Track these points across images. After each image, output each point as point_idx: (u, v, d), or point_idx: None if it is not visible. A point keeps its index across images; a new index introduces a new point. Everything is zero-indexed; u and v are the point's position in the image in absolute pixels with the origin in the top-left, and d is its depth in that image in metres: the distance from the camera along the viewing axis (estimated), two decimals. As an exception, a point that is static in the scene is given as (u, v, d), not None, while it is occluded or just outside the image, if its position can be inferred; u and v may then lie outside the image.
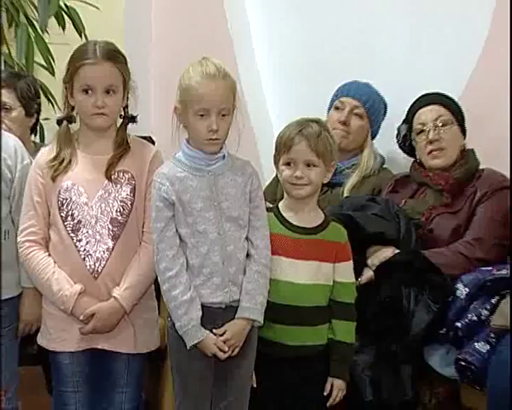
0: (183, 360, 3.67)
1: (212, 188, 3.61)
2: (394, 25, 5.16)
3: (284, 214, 3.83)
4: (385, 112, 5.14)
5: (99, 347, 3.78)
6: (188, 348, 3.58)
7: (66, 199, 3.75)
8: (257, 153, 4.56)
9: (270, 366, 3.79)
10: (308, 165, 3.76)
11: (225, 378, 3.67)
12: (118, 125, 3.84)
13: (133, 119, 3.91)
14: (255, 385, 3.79)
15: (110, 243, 3.77)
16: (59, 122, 3.88)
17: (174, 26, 5.45)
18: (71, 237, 3.76)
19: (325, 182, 3.95)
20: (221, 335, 3.57)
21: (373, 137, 5.10)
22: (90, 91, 3.71)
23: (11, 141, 4.03)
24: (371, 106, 5.04)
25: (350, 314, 3.87)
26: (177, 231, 3.60)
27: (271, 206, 3.97)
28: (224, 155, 3.66)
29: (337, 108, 5.00)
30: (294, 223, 3.82)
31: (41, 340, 3.87)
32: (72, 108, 3.80)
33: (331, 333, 3.84)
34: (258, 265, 3.66)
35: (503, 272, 4.22)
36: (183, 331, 3.57)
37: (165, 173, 3.61)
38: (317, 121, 4.04)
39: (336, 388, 3.82)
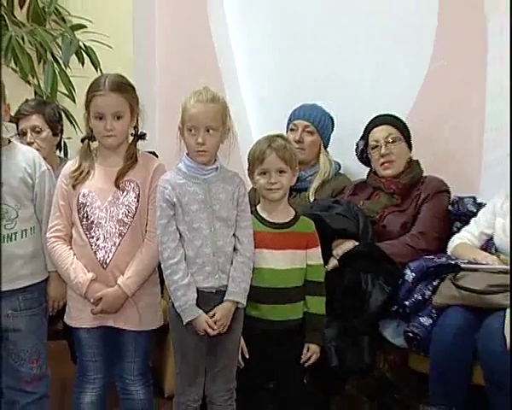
0: (181, 334, 3.70)
1: (206, 193, 3.67)
2: (354, 59, 5.11)
3: (262, 215, 3.89)
4: (332, 125, 5.10)
5: (109, 324, 3.79)
6: (184, 323, 3.62)
7: (83, 203, 3.76)
8: (242, 165, 4.64)
9: (258, 339, 3.83)
10: (279, 172, 3.81)
11: (216, 350, 3.72)
12: (129, 141, 3.85)
13: (143, 136, 3.91)
14: (247, 356, 3.84)
15: (117, 240, 3.76)
16: (82, 140, 3.89)
17: (174, 61, 5.40)
18: (86, 234, 3.76)
19: (292, 184, 3.97)
20: (211, 316, 3.63)
21: (325, 147, 5.08)
22: (101, 118, 3.73)
23: (30, 153, 4.00)
24: (319, 123, 4.99)
25: (321, 291, 3.92)
26: (176, 228, 3.65)
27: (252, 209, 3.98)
28: (216, 167, 3.72)
29: (292, 130, 5.01)
30: (271, 220, 3.88)
31: (65, 318, 3.87)
32: (92, 130, 3.80)
33: (306, 307, 3.88)
34: (243, 257, 3.72)
35: (443, 259, 4.29)
36: (181, 310, 3.62)
37: (168, 180, 3.67)
38: (281, 136, 4.15)
39: (311, 351, 3.87)
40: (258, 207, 3.94)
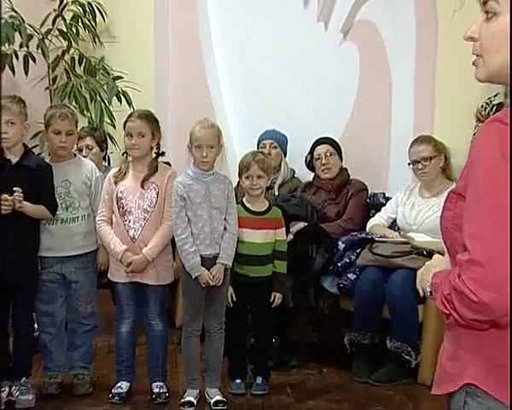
0: (189, 285, 3.72)
1: (206, 190, 3.67)
2: (302, 99, 4.97)
3: (247, 205, 3.89)
4: (287, 141, 4.89)
5: (137, 280, 3.78)
6: (193, 278, 3.64)
7: (120, 197, 3.75)
8: (229, 170, 4.61)
9: (241, 288, 3.87)
10: (258, 177, 3.81)
11: (212, 296, 3.72)
12: (153, 156, 3.80)
13: (162, 153, 3.88)
14: (235, 299, 3.86)
15: (142, 223, 3.74)
16: (123, 154, 3.89)
17: (181, 102, 5.24)
18: (121, 218, 3.76)
19: (267, 186, 4.01)
20: (211, 273, 3.64)
21: (285, 156, 4.90)
22: (130, 136, 3.72)
23: (89, 164, 3.98)
24: (279, 140, 4.84)
25: (284, 257, 3.93)
26: (186, 213, 3.65)
27: (238, 201, 3.97)
28: (213, 172, 3.71)
29: (262, 147, 4.80)
30: (252, 209, 3.88)
31: (108, 275, 3.89)
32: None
33: (273, 268, 3.90)
34: (230, 234, 3.72)
35: (363, 235, 4.31)
36: (190, 269, 3.64)
37: (180, 181, 3.66)
38: (261, 152, 4.23)
39: (277, 297, 3.88)
40: (244, 200, 3.93)
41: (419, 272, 1.58)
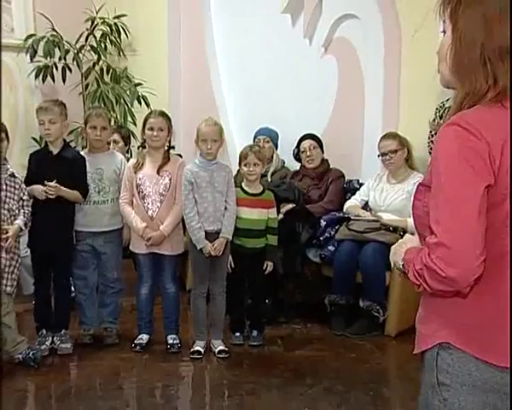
0: (195, 255, 3.73)
1: (210, 177, 3.67)
2: (291, 103, 4.89)
3: (245, 188, 3.87)
4: (277, 136, 4.81)
5: (155, 251, 3.77)
6: (198, 249, 3.65)
7: (139, 183, 3.73)
8: (229, 159, 4.58)
9: (240, 257, 3.86)
10: (255, 164, 3.80)
11: (215, 264, 3.72)
12: (166, 148, 3.78)
13: (173, 147, 3.91)
14: (233, 266, 3.84)
15: (159, 204, 3.73)
16: (138, 147, 3.91)
17: (190, 103, 5.22)
18: (141, 201, 3.74)
19: (262, 173, 4.00)
20: (213, 245, 3.64)
21: (276, 149, 4.80)
22: (152, 129, 3.70)
23: (120, 156, 3.99)
24: (271, 136, 4.75)
25: (275, 232, 3.91)
26: (193, 196, 3.64)
27: (237, 185, 3.93)
28: (216, 162, 3.71)
29: (257, 142, 4.61)
30: (249, 192, 3.86)
31: (131, 247, 3.88)
32: (144, 140, 3.78)
33: (266, 241, 3.88)
34: (230, 212, 3.71)
35: (341, 214, 4.31)
36: (196, 242, 3.65)
37: (189, 168, 3.66)
38: (257, 145, 4.25)
39: (269, 265, 3.88)
40: (242, 184, 3.90)
41: (392, 248, 1.58)
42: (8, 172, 3.52)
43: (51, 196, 3.62)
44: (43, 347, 3.71)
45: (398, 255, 1.51)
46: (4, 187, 3.49)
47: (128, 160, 4.12)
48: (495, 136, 1.34)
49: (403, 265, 1.47)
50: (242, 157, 3.87)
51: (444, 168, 1.35)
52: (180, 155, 4.15)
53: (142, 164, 3.77)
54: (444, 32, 1.46)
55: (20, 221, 3.52)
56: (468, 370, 1.41)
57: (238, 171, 4.25)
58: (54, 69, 4.94)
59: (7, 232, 3.42)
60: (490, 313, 1.40)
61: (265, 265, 3.90)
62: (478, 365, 1.40)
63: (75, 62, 5.02)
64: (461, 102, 1.41)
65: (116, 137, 4.41)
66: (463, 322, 1.42)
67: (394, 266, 1.55)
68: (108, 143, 4.16)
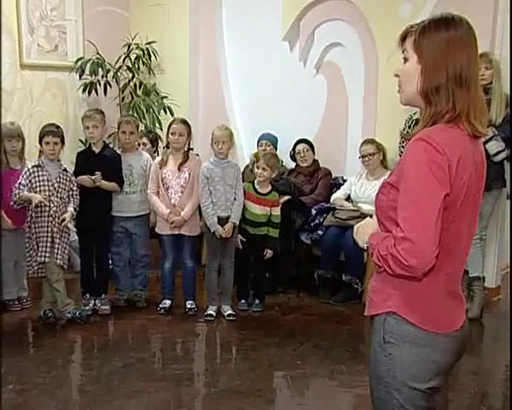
0: (209, 236, 3.71)
1: (222, 173, 3.64)
2: (289, 113, 4.72)
3: (255, 186, 3.79)
4: (277, 141, 4.62)
5: (177, 232, 3.72)
6: (211, 232, 3.62)
7: (164, 177, 3.68)
8: (238, 159, 4.50)
9: (247, 241, 3.80)
10: (263, 169, 3.73)
11: (225, 244, 3.70)
12: (186, 149, 3.71)
13: (192, 149, 3.83)
14: (241, 247, 3.80)
15: (180, 194, 3.69)
16: (163, 147, 3.87)
17: (205, 113, 5.15)
18: (165, 191, 3.69)
19: (273, 176, 3.86)
20: (224, 229, 3.61)
21: (276, 151, 4.51)
22: (174, 134, 3.65)
23: (146, 155, 3.90)
24: (272, 140, 4.57)
25: (276, 226, 3.84)
26: (208, 188, 3.62)
27: (251, 181, 3.88)
28: (227, 161, 3.67)
29: (261, 145, 4.54)
30: (258, 190, 3.79)
31: (156, 229, 3.82)
32: (168, 142, 3.72)
33: (267, 232, 3.82)
34: (238, 202, 3.67)
35: (328, 205, 4.23)
36: (210, 225, 3.63)
37: (205, 166, 3.63)
38: (271, 153, 4.12)
39: (268, 253, 3.83)
40: (255, 182, 3.80)
41: (355, 227, 1.54)
42: (62, 168, 3.56)
43: (98, 184, 3.62)
44: (86, 307, 3.73)
45: (360, 235, 1.49)
46: (58, 180, 3.52)
47: (154, 158, 4.10)
48: (453, 153, 1.34)
49: (367, 246, 1.46)
50: (256, 160, 3.83)
51: (413, 177, 1.33)
52: (197, 155, 4.11)
53: (166, 161, 3.72)
54: (405, 59, 1.43)
55: (71, 208, 3.55)
56: (408, 331, 1.42)
57: (245, 167, 4.18)
58: (97, 85, 4.91)
59: (64, 220, 3.48)
60: (431, 291, 1.41)
61: (265, 252, 3.85)
62: (417, 330, 1.41)
63: (114, 79, 4.99)
64: (426, 120, 1.39)
65: (145, 140, 4.36)
66: (409, 296, 1.42)
67: (357, 243, 1.52)
68: (138, 145, 4.11)
